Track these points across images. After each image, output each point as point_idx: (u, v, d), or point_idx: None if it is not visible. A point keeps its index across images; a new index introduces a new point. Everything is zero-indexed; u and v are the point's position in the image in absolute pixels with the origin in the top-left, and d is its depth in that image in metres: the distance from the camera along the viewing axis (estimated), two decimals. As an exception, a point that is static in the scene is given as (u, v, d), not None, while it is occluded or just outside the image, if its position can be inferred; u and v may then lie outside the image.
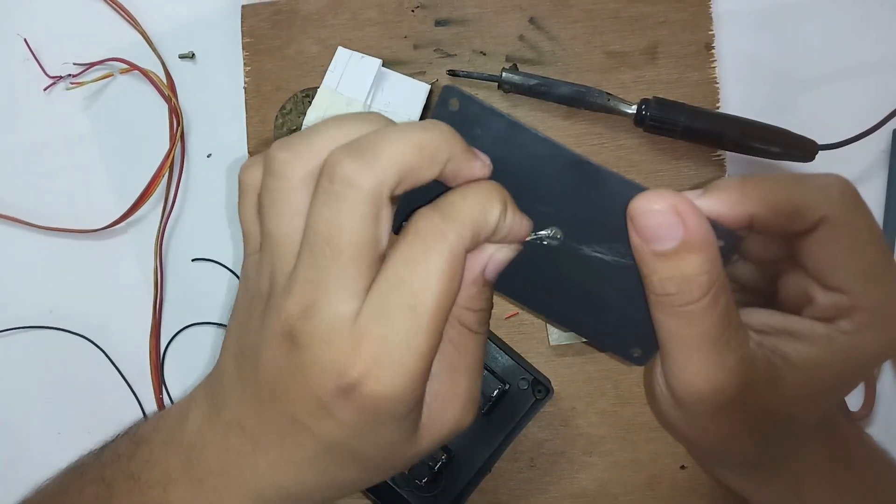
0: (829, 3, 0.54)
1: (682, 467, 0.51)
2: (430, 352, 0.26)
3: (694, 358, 0.27)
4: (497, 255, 0.28)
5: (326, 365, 0.26)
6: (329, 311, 0.26)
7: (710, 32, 0.53)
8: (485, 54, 0.54)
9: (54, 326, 0.55)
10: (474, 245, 0.27)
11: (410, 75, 0.53)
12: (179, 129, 0.54)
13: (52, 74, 0.55)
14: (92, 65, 0.55)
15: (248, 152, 0.54)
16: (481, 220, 0.27)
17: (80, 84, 0.55)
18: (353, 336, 0.26)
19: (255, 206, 0.29)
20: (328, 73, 0.52)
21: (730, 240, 0.27)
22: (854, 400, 0.51)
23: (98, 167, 0.56)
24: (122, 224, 0.54)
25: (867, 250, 0.27)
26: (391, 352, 0.26)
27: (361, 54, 0.52)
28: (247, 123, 0.54)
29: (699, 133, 0.50)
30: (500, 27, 0.54)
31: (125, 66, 0.54)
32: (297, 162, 0.27)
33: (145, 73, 0.54)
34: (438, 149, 0.26)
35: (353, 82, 0.52)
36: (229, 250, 0.55)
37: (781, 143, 0.50)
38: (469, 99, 0.29)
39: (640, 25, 0.53)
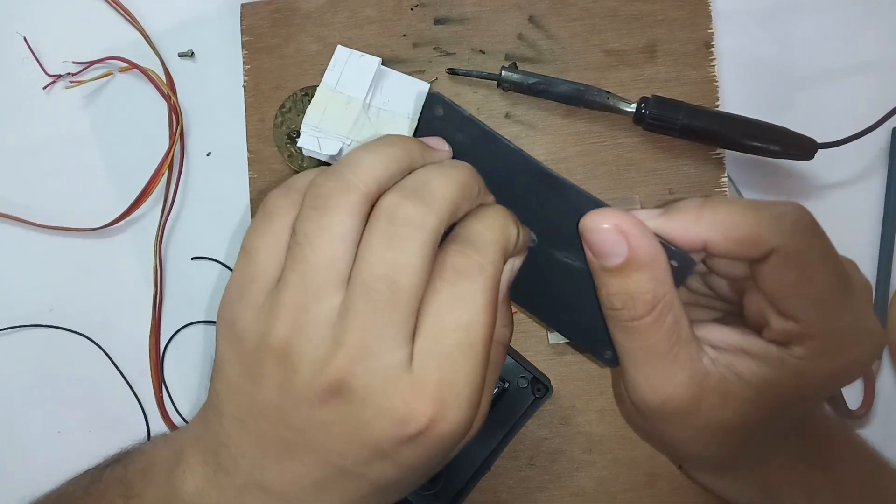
0: (829, 2, 0.54)
1: (680, 467, 0.51)
2: (484, 380, 0.27)
3: (642, 370, 0.28)
4: (513, 268, 0.29)
5: (387, 416, 0.25)
6: (386, 359, 0.25)
7: (710, 31, 0.53)
8: (484, 53, 0.54)
9: (54, 325, 0.55)
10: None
11: (410, 74, 0.53)
12: (179, 127, 0.54)
13: (51, 73, 0.55)
14: (91, 63, 0.55)
15: (248, 150, 0.54)
16: (507, 245, 0.28)
17: (80, 83, 0.55)
18: (414, 383, 0.25)
19: (276, 235, 0.28)
20: (327, 71, 0.52)
21: (683, 261, 0.28)
22: (853, 398, 0.51)
23: (97, 166, 0.56)
24: (122, 223, 0.54)
25: (819, 280, 0.28)
26: (457, 392, 0.26)
27: (361, 53, 0.52)
28: (246, 122, 0.54)
29: (698, 131, 0.50)
30: (499, 26, 0.54)
31: (125, 64, 0.54)
32: (345, 191, 0.27)
33: (144, 72, 0.54)
34: (473, 187, 0.28)
35: (353, 81, 0.52)
36: (230, 249, 0.55)
37: (781, 141, 0.50)
38: (451, 106, 0.31)
39: (639, 24, 0.53)
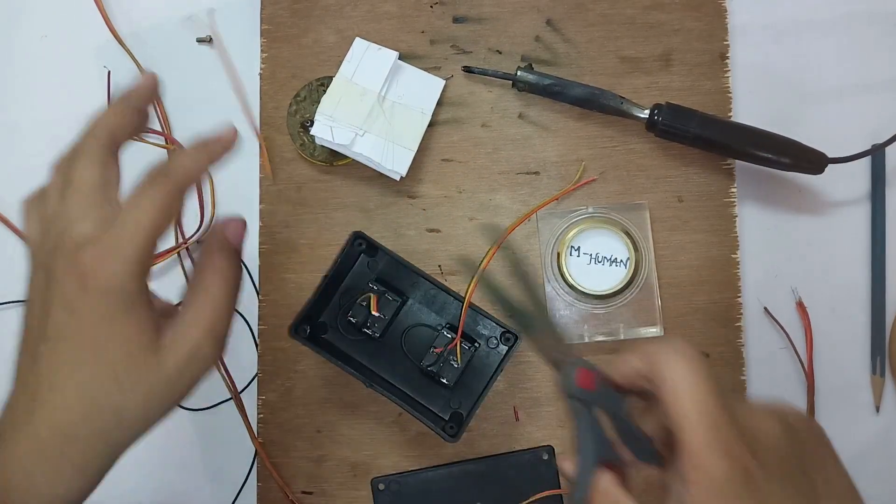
0: (844, 21, 0.55)
1: (679, 474, 0.51)
2: (143, 250, 0.33)
3: None
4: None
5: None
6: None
7: (726, 43, 0.53)
8: (500, 53, 0.54)
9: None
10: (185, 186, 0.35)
11: (426, 70, 0.54)
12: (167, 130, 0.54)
13: None
14: (154, 131, 0.55)
15: (261, 137, 0.54)
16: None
17: (140, 140, 0.54)
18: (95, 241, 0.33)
19: None
20: (344, 62, 0.53)
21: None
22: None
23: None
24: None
25: (699, 418, 0.31)
26: (115, 246, 0.32)
27: (378, 46, 0.53)
28: (261, 109, 0.54)
29: (710, 141, 0.50)
30: (517, 27, 0.54)
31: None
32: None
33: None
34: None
35: (369, 73, 0.52)
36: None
37: (791, 154, 0.50)
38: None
39: (656, 32, 0.54)
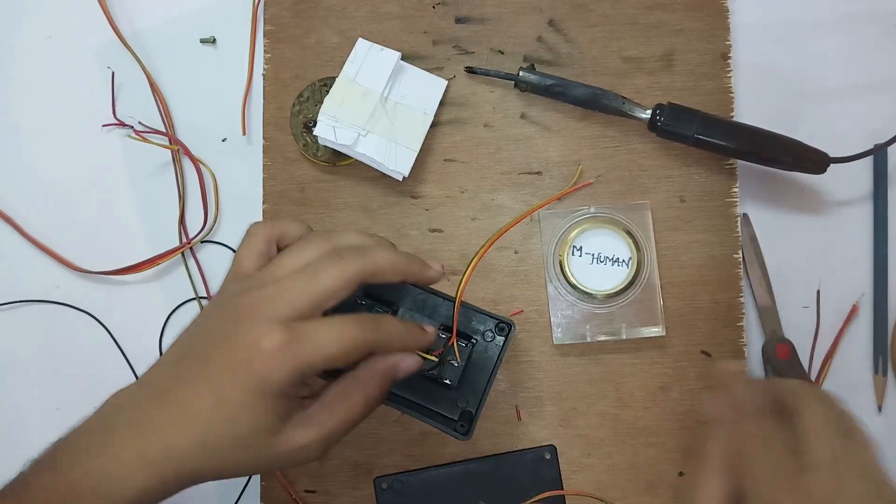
0: (846, 21, 0.55)
1: (681, 474, 0.51)
2: (315, 369, 0.36)
3: None
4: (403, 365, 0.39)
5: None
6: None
7: (727, 42, 0.53)
8: (503, 53, 0.54)
9: (60, 301, 0.56)
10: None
11: (428, 70, 0.54)
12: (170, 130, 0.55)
13: (119, 117, 0.56)
14: (158, 132, 0.55)
15: (263, 138, 0.54)
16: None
17: (145, 140, 0.55)
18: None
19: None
20: (347, 63, 0.53)
21: None
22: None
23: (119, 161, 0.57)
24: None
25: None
26: (294, 357, 0.35)
27: (381, 46, 0.53)
28: (264, 110, 0.55)
29: (712, 141, 0.50)
30: (519, 27, 0.54)
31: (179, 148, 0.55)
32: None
33: (195, 162, 0.55)
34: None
35: (372, 73, 0.52)
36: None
37: (794, 154, 0.50)
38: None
39: (658, 32, 0.54)
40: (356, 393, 0.38)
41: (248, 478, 0.53)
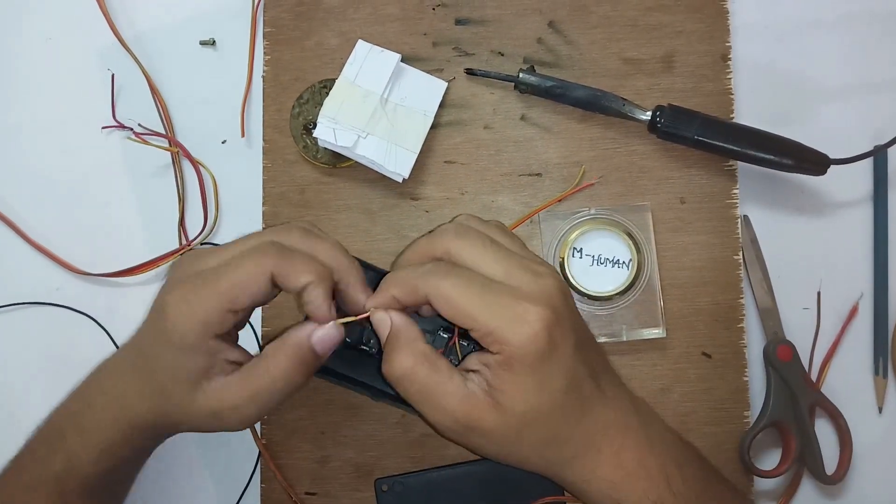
0: (846, 22, 0.55)
1: (682, 475, 0.51)
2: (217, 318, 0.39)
3: (428, 405, 0.39)
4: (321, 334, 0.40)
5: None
6: None
7: (727, 44, 0.53)
8: (503, 55, 0.54)
9: (60, 304, 0.56)
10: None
11: (428, 72, 0.54)
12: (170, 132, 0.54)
13: (119, 119, 0.55)
14: (157, 134, 0.55)
15: (264, 140, 0.54)
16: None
17: (144, 142, 0.55)
18: None
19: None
20: (347, 65, 0.53)
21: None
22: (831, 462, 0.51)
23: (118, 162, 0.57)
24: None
25: (466, 300, 0.38)
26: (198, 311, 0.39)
27: (381, 48, 0.53)
28: (263, 112, 0.55)
29: (712, 142, 0.50)
30: (519, 29, 0.54)
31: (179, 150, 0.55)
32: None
33: (195, 164, 0.55)
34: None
35: (372, 75, 0.52)
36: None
37: (794, 155, 0.50)
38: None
39: (658, 34, 0.54)
40: (277, 353, 0.40)
41: (247, 480, 0.53)
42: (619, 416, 0.41)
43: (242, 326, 0.43)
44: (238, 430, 0.43)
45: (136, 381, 0.42)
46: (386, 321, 0.40)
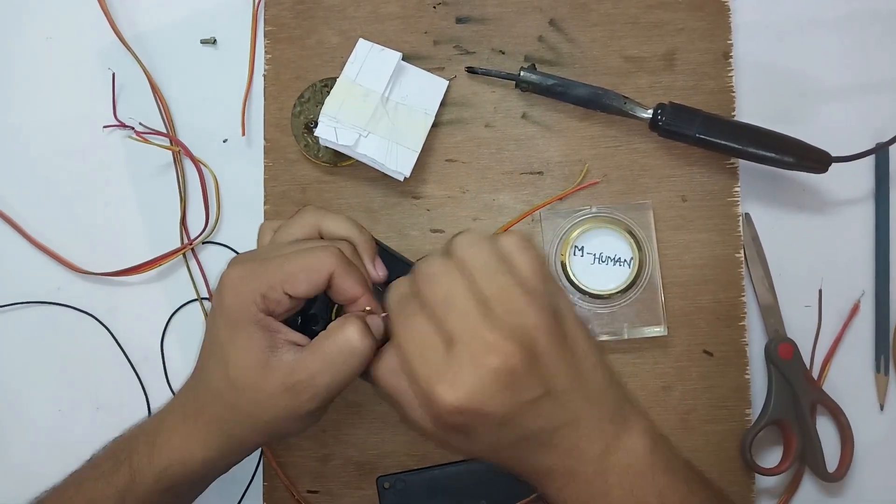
0: (848, 20, 0.55)
1: (683, 473, 0.51)
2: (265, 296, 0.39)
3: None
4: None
5: None
6: None
7: (729, 42, 0.53)
8: (504, 53, 0.54)
9: (62, 303, 0.56)
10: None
11: (429, 70, 0.54)
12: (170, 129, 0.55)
13: (120, 118, 0.55)
14: (159, 133, 0.55)
15: (265, 139, 0.54)
16: None
17: (145, 141, 0.55)
18: None
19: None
20: (348, 63, 0.53)
21: None
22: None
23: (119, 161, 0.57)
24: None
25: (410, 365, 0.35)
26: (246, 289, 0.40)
27: (382, 47, 0.53)
28: (264, 110, 0.55)
29: (713, 140, 0.50)
30: (520, 27, 0.54)
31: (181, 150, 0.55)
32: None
33: (196, 163, 0.55)
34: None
35: (373, 74, 0.52)
36: (243, 234, 0.56)
37: (795, 153, 0.50)
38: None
39: (659, 32, 0.54)
40: (343, 322, 0.39)
41: (249, 479, 0.53)
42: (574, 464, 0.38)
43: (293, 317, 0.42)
44: (309, 423, 0.41)
45: (205, 391, 0.41)
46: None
